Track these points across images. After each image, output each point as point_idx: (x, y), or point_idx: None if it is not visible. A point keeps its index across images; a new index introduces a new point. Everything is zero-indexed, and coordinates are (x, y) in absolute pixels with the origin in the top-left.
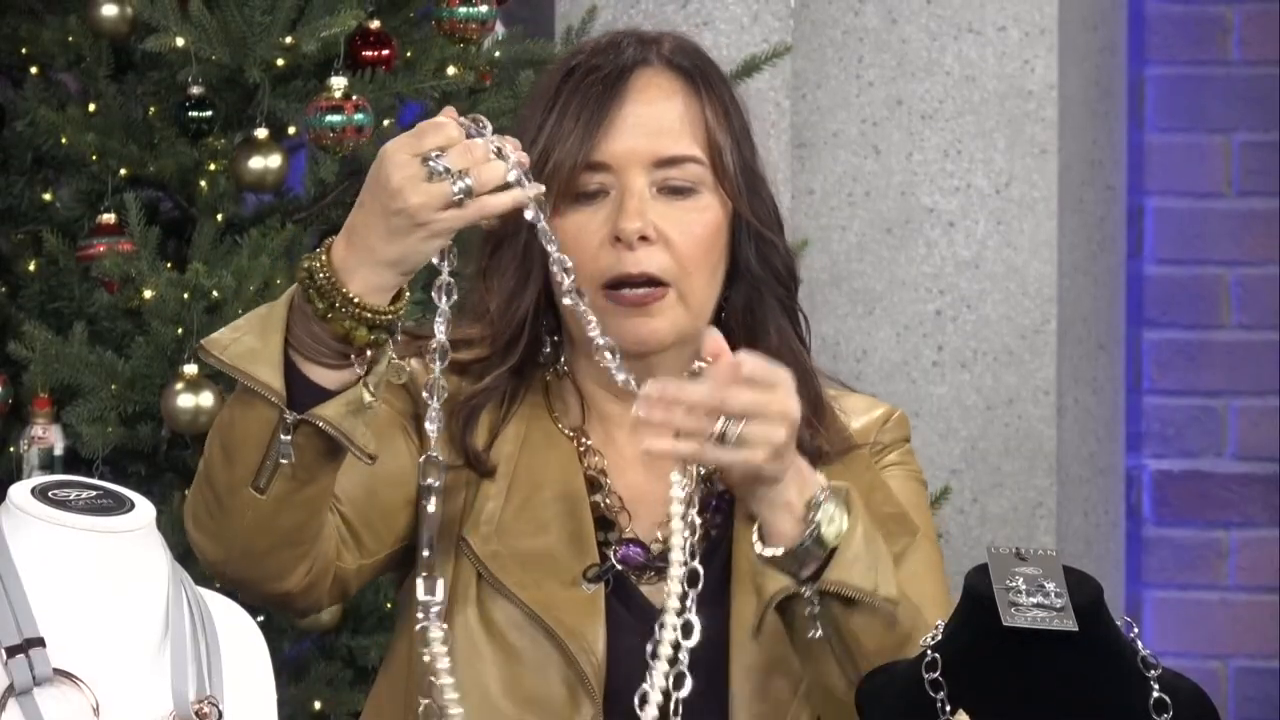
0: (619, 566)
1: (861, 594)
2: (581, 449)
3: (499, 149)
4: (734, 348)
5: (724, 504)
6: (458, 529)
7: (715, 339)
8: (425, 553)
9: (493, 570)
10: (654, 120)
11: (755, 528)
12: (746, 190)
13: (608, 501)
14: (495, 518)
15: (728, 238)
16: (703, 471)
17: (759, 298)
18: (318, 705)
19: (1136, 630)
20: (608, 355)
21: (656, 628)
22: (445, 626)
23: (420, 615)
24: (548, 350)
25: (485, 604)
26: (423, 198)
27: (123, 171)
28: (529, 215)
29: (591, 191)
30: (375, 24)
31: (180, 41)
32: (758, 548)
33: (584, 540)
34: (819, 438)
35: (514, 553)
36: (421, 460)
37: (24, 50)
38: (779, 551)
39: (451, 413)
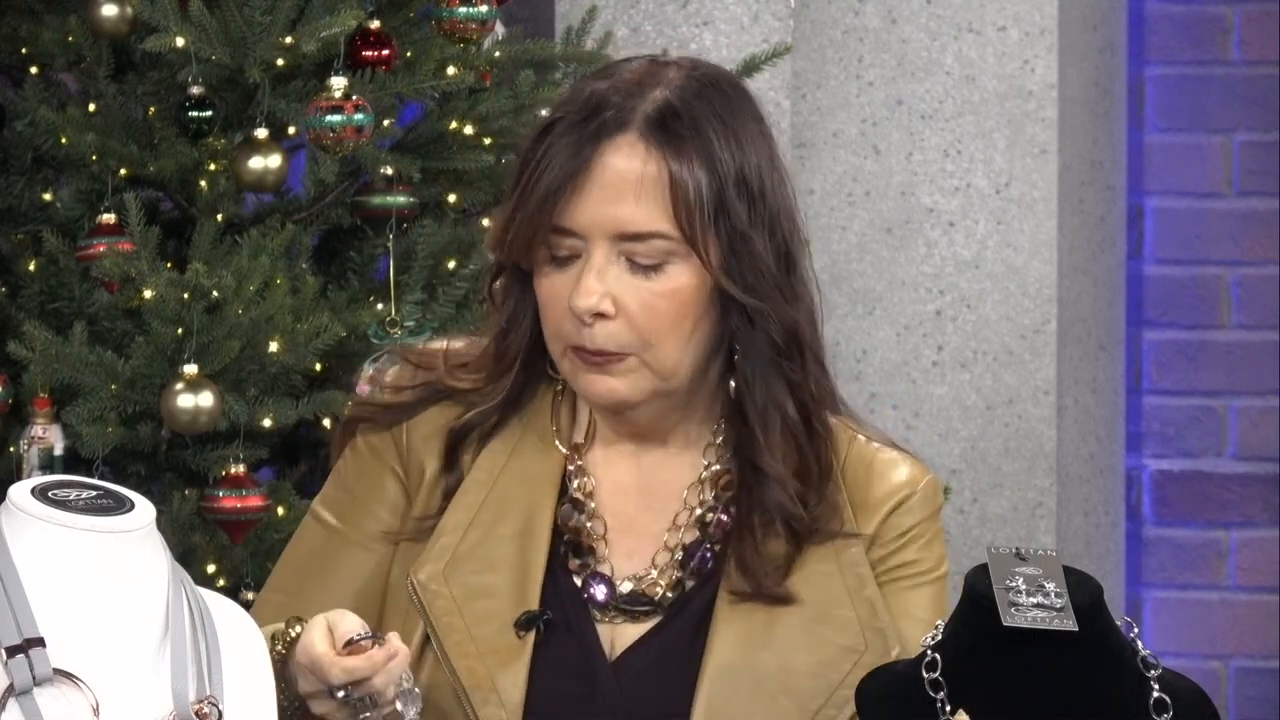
0: (548, 615)
1: None
2: (573, 468)
3: None
4: (742, 408)
5: (710, 558)
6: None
7: None
8: None
9: (430, 613)
10: (619, 191)
11: None
12: (730, 257)
13: (590, 526)
14: (447, 554)
15: (710, 300)
16: (697, 514)
17: (752, 362)
18: None
19: (1136, 630)
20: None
21: None
22: None
23: None
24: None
25: (423, 668)
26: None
27: (123, 171)
28: None
29: (564, 256)
30: (375, 24)
31: (180, 41)
32: None
33: (528, 581)
34: (812, 514)
35: (455, 593)
36: None
37: (24, 50)
38: None
39: (438, 443)
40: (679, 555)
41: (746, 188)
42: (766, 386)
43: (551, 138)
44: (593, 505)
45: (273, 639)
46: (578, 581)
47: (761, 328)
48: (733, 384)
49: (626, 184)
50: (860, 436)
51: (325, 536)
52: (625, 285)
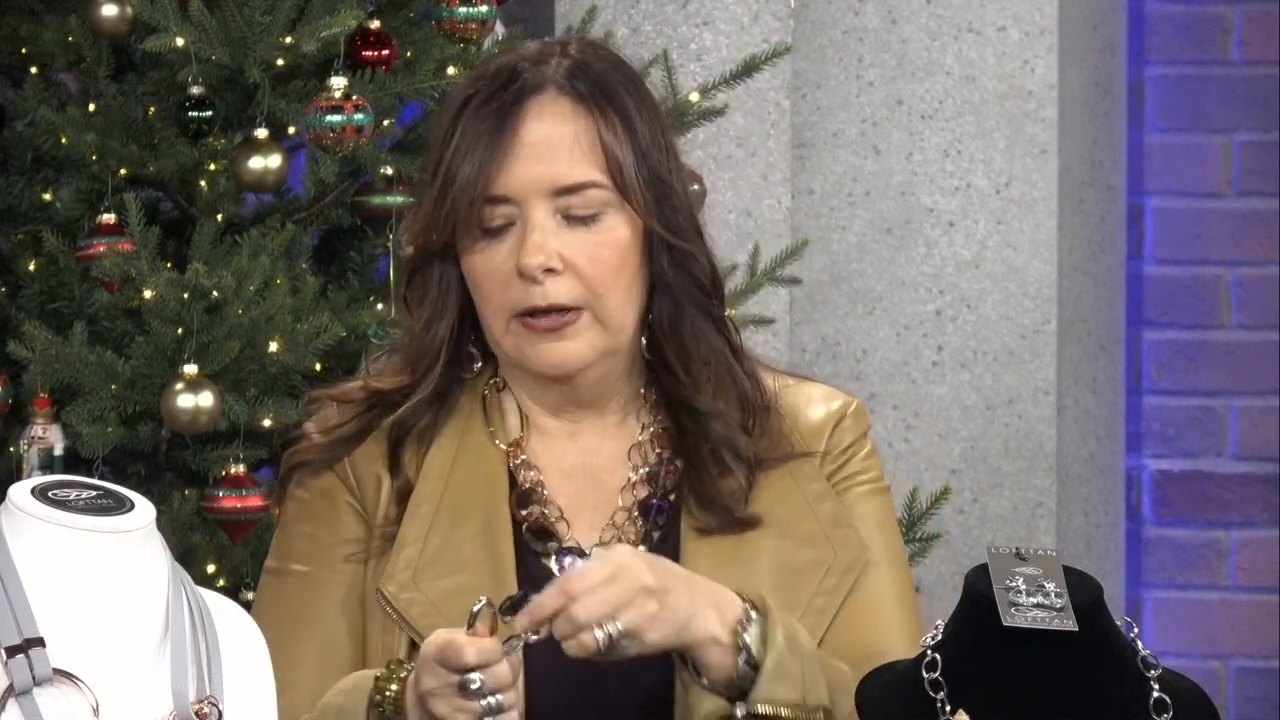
0: (530, 596)
1: (792, 708)
2: (517, 462)
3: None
4: (663, 358)
5: (666, 506)
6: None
7: (526, 617)
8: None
9: (409, 620)
10: (549, 149)
11: (686, 662)
12: (655, 202)
13: (545, 511)
14: (413, 563)
15: (641, 252)
16: (644, 472)
17: (679, 307)
18: None
19: (1136, 630)
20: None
21: None
22: None
23: None
24: (479, 365)
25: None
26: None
27: (123, 171)
28: None
29: (497, 226)
30: (375, 24)
31: (180, 41)
32: (692, 680)
33: (502, 573)
34: (758, 443)
35: (430, 597)
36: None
37: (24, 50)
38: (719, 682)
39: (382, 460)
40: (635, 511)
41: (660, 140)
42: (694, 329)
43: (467, 114)
44: (544, 492)
45: (377, 681)
46: (548, 563)
47: (687, 270)
48: (644, 340)
49: (555, 140)
50: (781, 375)
51: (302, 586)
52: (567, 240)
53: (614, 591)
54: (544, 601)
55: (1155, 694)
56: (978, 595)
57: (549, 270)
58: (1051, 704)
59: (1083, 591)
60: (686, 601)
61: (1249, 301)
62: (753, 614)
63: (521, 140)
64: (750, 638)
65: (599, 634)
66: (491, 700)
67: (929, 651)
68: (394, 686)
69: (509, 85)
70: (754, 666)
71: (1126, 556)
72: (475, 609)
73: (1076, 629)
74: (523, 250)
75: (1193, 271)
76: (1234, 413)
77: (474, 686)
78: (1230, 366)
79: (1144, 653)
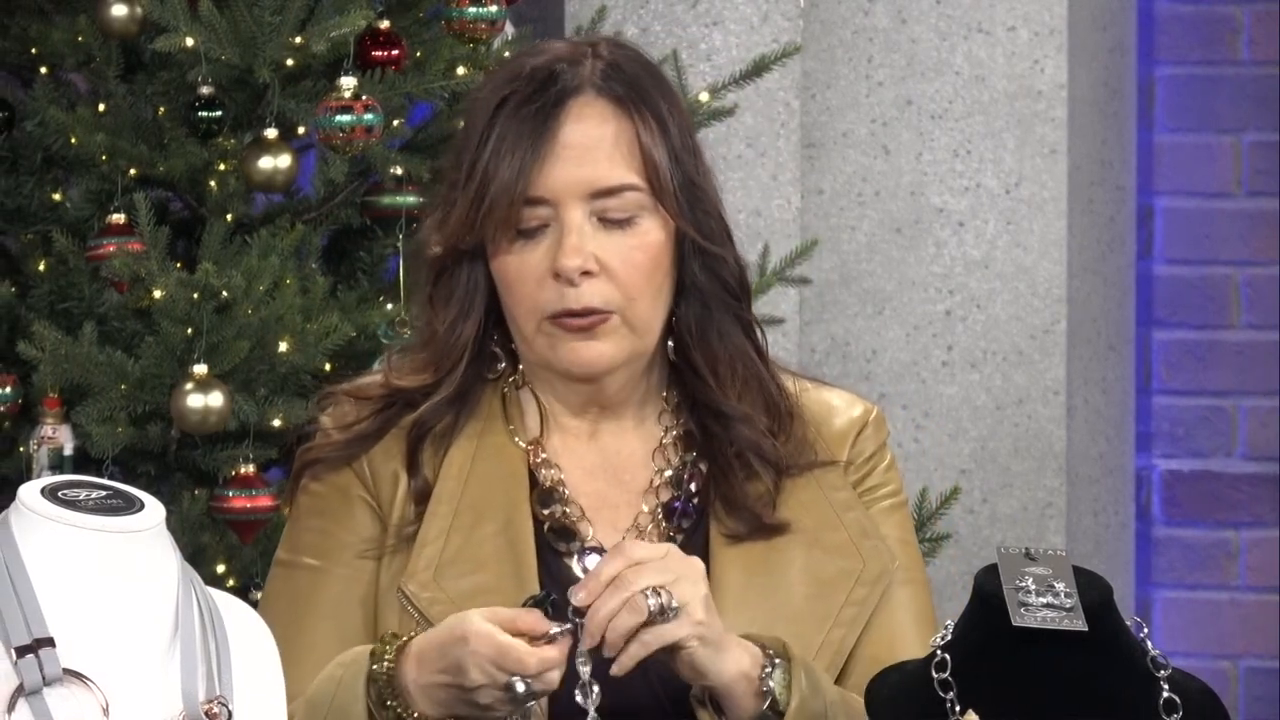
0: (553, 596)
1: None
2: (537, 461)
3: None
4: (690, 362)
5: (690, 508)
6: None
7: (583, 590)
8: None
9: (430, 618)
10: (588, 151)
11: (706, 702)
12: (688, 205)
13: (566, 510)
14: (434, 561)
15: (672, 255)
16: (668, 475)
17: (708, 311)
18: None
19: (1146, 630)
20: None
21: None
22: None
23: None
24: (502, 365)
25: None
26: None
27: (132, 171)
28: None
29: (532, 228)
30: (385, 24)
31: (190, 41)
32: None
33: (524, 572)
34: (784, 448)
35: (452, 596)
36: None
37: (34, 50)
38: None
39: (399, 459)
40: (659, 514)
41: (689, 142)
42: (721, 332)
43: (504, 115)
44: (565, 492)
45: (372, 656)
46: (570, 563)
47: (717, 273)
48: (671, 343)
49: (595, 142)
50: (799, 378)
51: (312, 580)
52: (602, 243)
53: (671, 563)
54: (603, 569)
55: (1165, 694)
56: (987, 595)
57: (585, 273)
58: (1061, 704)
59: (1092, 591)
60: (721, 626)
61: (1258, 301)
62: (776, 660)
63: (561, 142)
64: (774, 682)
65: (651, 601)
66: (532, 704)
67: (939, 651)
68: (388, 660)
69: (548, 87)
70: (778, 712)
71: (1136, 556)
72: (554, 631)
73: (1086, 629)
74: (560, 252)
75: (1202, 271)
76: (1243, 413)
77: (521, 690)
78: (1240, 366)
79: (1154, 653)
